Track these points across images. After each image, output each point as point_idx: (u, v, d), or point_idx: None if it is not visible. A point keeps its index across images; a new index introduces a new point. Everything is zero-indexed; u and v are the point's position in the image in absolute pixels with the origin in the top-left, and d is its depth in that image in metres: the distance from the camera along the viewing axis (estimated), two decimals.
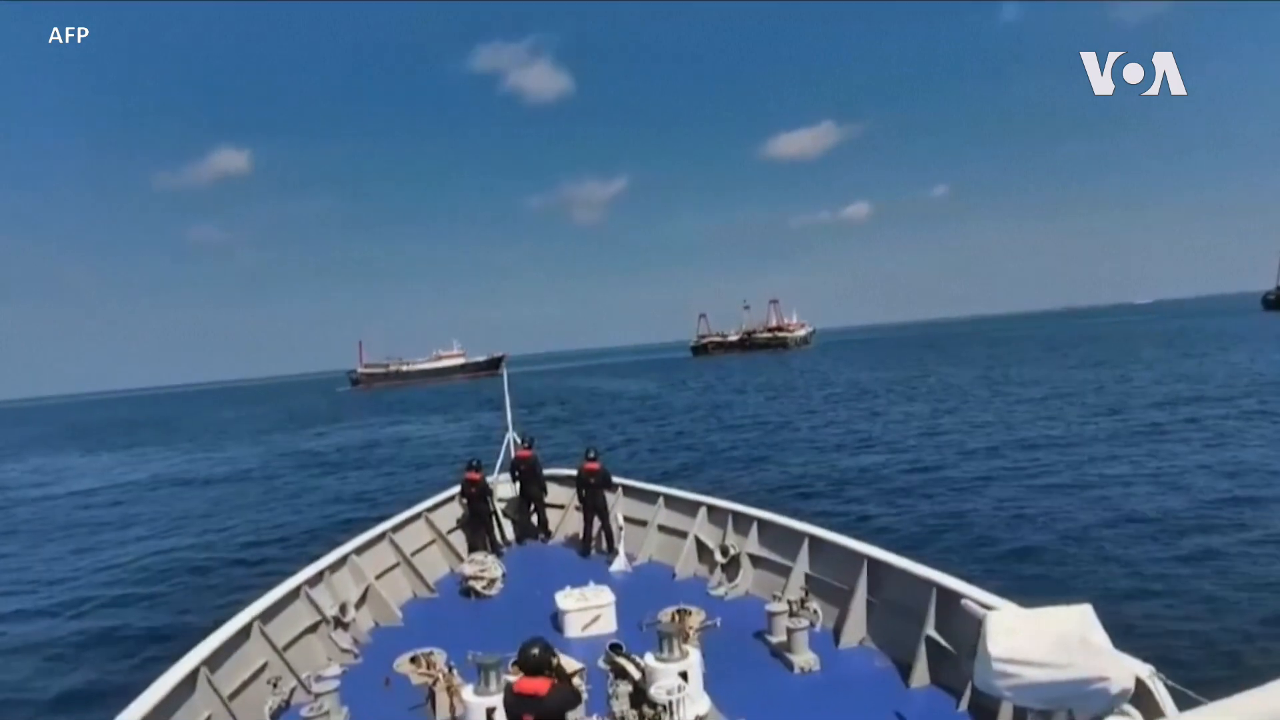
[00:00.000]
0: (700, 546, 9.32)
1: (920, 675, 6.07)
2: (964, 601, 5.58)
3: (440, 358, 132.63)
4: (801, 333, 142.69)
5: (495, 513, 11.08)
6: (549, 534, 11.44)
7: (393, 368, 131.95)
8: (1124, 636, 4.76)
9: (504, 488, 11.58)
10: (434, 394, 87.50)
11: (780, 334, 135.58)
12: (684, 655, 5.57)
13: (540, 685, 4.46)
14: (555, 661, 4.70)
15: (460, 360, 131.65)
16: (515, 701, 4.50)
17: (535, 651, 4.59)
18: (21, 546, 22.26)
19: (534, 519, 11.54)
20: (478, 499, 10.64)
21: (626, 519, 10.28)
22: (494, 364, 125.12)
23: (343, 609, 7.83)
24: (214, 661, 5.96)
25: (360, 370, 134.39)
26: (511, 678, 4.87)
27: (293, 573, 7.96)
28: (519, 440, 11.95)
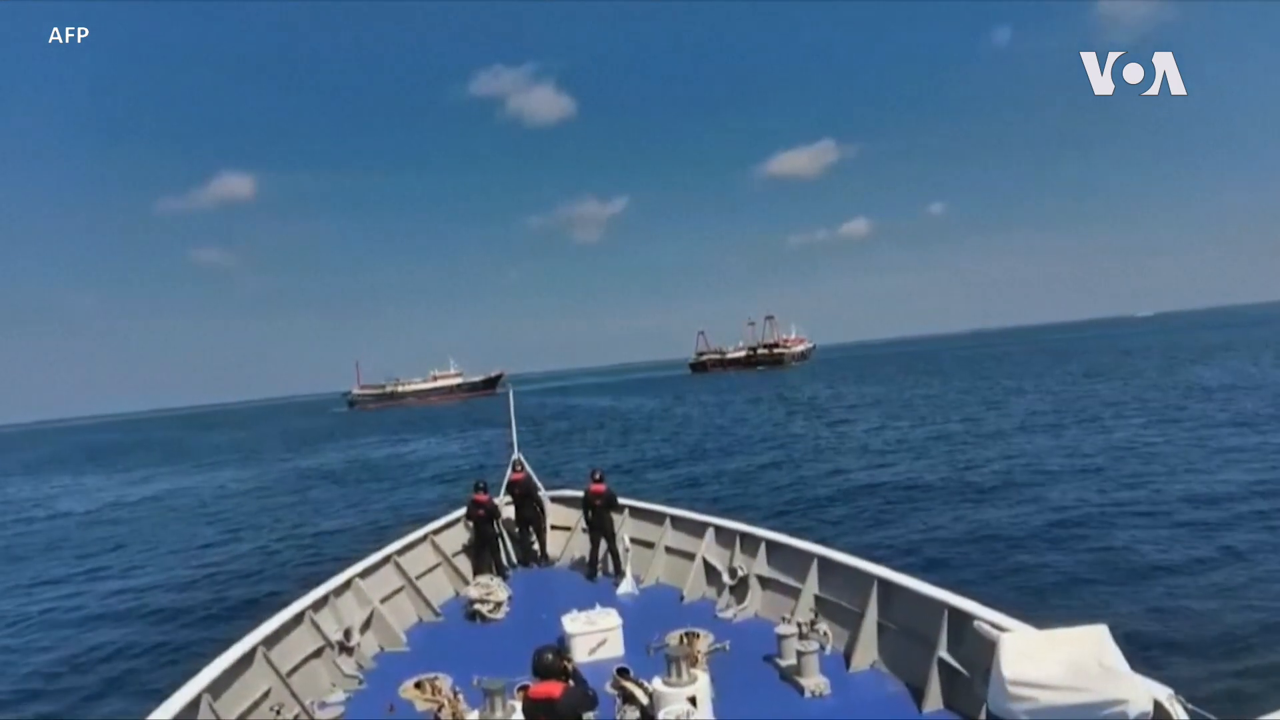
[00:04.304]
0: (708, 568, 9.22)
1: (933, 699, 5.97)
2: (977, 623, 5.54)
3: (437, 378, 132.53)
4: (800, 349, 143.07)
5: (502, 535, 11.02)
6: (548, 557, 11.35)
7: (389, 388, 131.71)
8: (1141, 658, 4.73)
9: (506, 510, 11.53)
10: (427, 414, 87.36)
11: (777, 350, 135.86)
12: (692, 679, 5.53)
13: (554, 689, 4.58)
14: (570, 666, 4.82)
15: (457, 380, 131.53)
16: (530, 706, 4.62)
17: (549, 656, 4.74)
18: (25, 565, 22.14)
19: (534, 541, 11.45)
20: (485, 521, 10.57)
21: (633, 541, 10.18)
22: (491, 383, 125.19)
23: (347, 634, 7.74)
24: (216, 689, 5.87)
25: (357, 391, 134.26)
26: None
27: (296, 597, 7.88)
28: (518, 462, 11.88)
